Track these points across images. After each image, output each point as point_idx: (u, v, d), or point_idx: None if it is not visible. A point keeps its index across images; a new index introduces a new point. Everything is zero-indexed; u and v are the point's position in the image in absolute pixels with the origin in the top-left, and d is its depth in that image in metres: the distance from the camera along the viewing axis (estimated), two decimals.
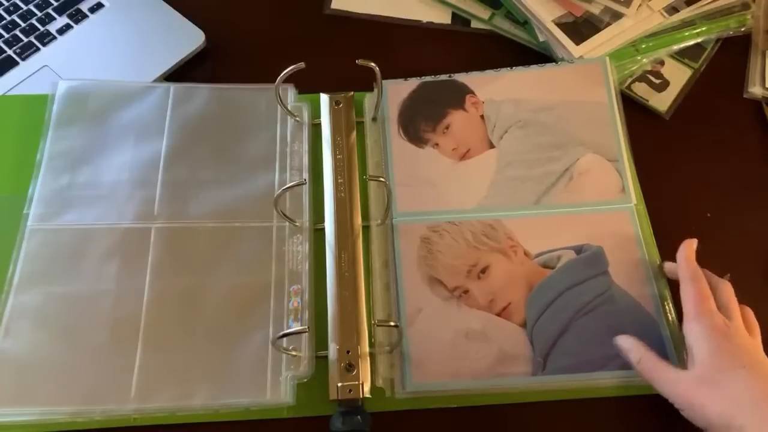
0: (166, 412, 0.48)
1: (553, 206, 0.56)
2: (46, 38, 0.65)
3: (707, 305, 0.48)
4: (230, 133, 0.60)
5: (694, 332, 0.47)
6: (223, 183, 0.57)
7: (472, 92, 0.62)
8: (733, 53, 0.66)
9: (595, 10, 0.65)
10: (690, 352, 0.47)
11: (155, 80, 0.63)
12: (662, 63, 0.65)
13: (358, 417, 0.48)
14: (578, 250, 0.54)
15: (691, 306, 0.48)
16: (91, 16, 0.67)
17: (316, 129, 0.60)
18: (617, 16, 0.64)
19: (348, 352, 0.49)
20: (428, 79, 0.63)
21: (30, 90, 0.63)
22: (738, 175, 0.60)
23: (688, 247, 0.51)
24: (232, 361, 0.50)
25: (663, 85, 0.64)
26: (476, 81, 0.62)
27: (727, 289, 0.50)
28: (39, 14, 0.67)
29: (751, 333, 0.49)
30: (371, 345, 0.51)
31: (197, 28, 0.66)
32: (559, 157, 0.58)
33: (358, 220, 0.55)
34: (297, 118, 0.60)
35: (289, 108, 0.59)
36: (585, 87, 0.61)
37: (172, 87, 0.61)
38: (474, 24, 0.68)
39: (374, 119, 0.61)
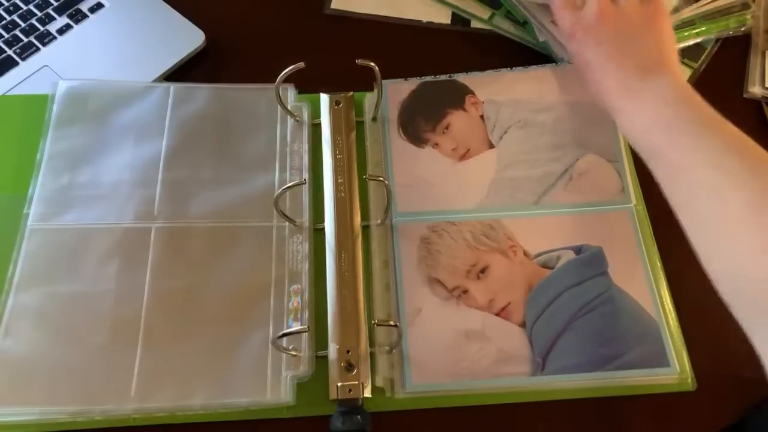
0: (166, 412, 0.49)
1: (552, 206, 0.56)
2: (46, 38, 0.65)
3: None
4: (230, 133, 0.60)
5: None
6: (223, 183, 0.57)
7: (472, 92, 0.62)
8: (733, 53, 0.66)
9: None
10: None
11: (155, 80, 0.63)
12: None
13: (358, 417, 0.48)
14: (578, 250, 0.54)
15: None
16: (91, 16, 0.67)
17: (316, 129, 0.60)
18: None
19: (348, 351, 0.49)
20: (428, 79, 0.63)
21: (30, 90, 0.62)
22: None
23: None
24: (232, 360, 0.50)
25: None
26: (476, 81, 0.62)
27: None
28: (39, 14, 0.67)
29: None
30: (371, 345, 0.51)
31: (197, 28, 0.65)
32: (559, 158, 0.58)
33: (358, 220, 0.55)
34: (297, 118, 0.60)
35: (289, 108, 0.59)
36: (585, 87, 0.61)
37: (172, 87, 0.61)
38: (474, 24, 0.68)
39: (374, 119, 0.61)
